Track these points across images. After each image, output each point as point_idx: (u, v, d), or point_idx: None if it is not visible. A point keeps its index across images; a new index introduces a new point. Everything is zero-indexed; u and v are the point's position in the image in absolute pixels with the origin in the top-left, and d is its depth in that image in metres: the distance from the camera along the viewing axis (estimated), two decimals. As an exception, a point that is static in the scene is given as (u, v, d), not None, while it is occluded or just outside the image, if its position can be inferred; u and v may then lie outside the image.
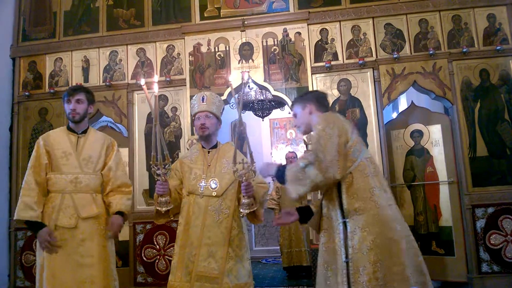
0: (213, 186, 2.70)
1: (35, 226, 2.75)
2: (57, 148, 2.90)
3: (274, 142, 10.36)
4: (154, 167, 2.43)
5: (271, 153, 10.22)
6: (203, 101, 2.78)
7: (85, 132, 3.00)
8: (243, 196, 2.48)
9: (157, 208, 2.57)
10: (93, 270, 2.80)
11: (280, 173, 2.25)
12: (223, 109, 2.96)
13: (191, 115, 2.91)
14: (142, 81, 2.43)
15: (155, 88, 2.33)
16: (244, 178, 2.42)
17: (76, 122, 2.94)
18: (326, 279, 2.18)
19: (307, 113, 2.42)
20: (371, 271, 2.01)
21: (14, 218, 2.83)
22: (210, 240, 2.62)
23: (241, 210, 2.51)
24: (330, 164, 2.07)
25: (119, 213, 2.93)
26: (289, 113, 2.39)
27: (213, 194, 2.67)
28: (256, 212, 2.62)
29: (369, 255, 2.03)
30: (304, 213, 2.47)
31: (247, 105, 7.15)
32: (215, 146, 2.86)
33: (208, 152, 2.84)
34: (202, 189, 2.68)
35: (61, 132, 3.01)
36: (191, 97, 4.87)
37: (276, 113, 9.44)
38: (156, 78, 2.52)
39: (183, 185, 2.78)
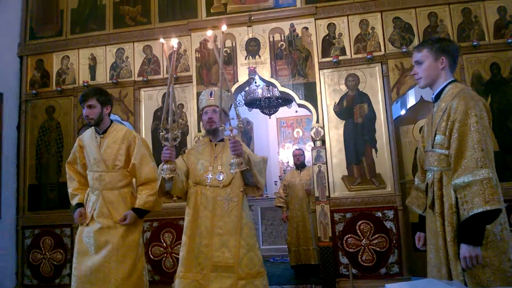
0: (220, 178, 2.71)
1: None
2: (88, 150, 3.14)
3: (281, 141, 10.33)
4: (163, 131, 2.36)
5: (278, 152, 10.18)
6: (211, 96, 2.80)
7: (105, 131, 3.14)
8: (232, 156, 2.41)
9: (162, 175, 2.45)
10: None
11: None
12: (231, 105, 2.93)
13: (199, 110, 2.88)
14: (162, 40, 2.39)
15: (174, 42, 2.27)
16: (231, 135, 2.37)
17: (93, 125, 3.12)
18: None
19: (439, 67, 2.20)
20: None
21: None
22: (221, 230, 2.63)
23: (230, 171, 2.45)
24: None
25: (135, 209, 3.05)
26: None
27: (220, 186, 2.69)
28: (253, 180, 2.62)
29: None
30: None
31: (253, 103, 7.13)
32: (222, 140, 2.86)
33: (215, 145, 2.84)
34: (209, 181, 2.71)
35: (91, 133, 3.21)
36: (198, 93, 4.85)
37: (283, 112, 9.41)
38: (174, 41, 2.37)
39: (190, 175, 2.77)
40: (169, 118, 2.34)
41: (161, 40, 2.36)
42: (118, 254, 2.96)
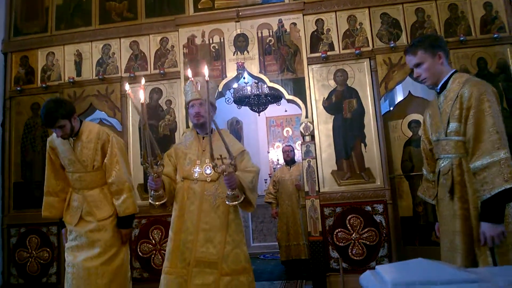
0: (208, 172, 2.67)
1: None
2: (60, 152, 3.07)
3: (271, 140, 10.33)
4: (146, 164, 2.36)
5: (267, 151, 10.17)
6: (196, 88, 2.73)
7: (77, 133, 3.04)
8: (227, 189, 2.42)
9: (151, 202, 2.52)
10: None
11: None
12: (217, 94, 2.90)
13: (185, 102, 2.84)
14: (127, 86, 2.29)
15: (141, 95, 2.20)
16: (225, 173, 2.35)
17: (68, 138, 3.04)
18: None
19: (438, 62, 2.29)
20: None
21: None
22: (207, 226, 2.59)
23: (226, 202, 2.47)
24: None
25: (120, 219, 3.05)
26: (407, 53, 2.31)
27: (207, 180, 2.63)
28: (247, 199, 2.57)
29: None
30: None
31: (243, 100, 7.10)
32: (210, 132, 2.83)
33: (203, 138, 2.80)
34: (196, 175, 2.66)
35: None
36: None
37: (272, 111, 9.41)
38: (143, 81, 2.38)
39: (178, 170, 2.73)
40: (149, 158, 2.31)
41: (126, 87, 2.26)
42: (109, 249, 2.98)
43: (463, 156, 2.22)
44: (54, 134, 3.12)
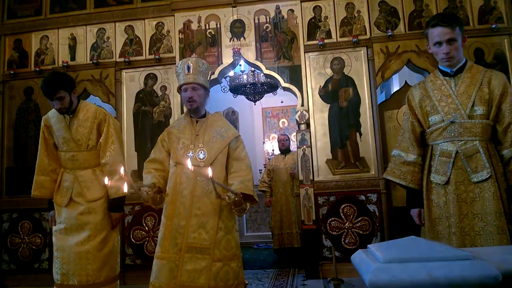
0: (201, 156, 2.64)
1: None
2: (55, 130, 3.03)
3: (267, 131, 10.30)
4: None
5: (263, 142, 10.14)
6: (188, 71, 2.68)
7: (74, 110, 3.03)
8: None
9: (152, 205, 2.55)
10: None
11: None
12: (210, 76, 2.86)
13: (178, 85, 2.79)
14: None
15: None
16: (233, 206, 2.50)
17: (65, 113, 3.02)
18: None
19: (463, 45, 2.38)
20: None
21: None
22: (200, 211, 2.57)
23: (236, 214, 2.60)
24: None
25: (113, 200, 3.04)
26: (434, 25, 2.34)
27: (201, 165, 2.60)
28: (254, 200, 2.64)
29: None
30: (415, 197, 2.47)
31: (239, 89, 7.06)
32: (203, 116, 2.80)
33: (197, 121, 2.77)
34: (189, 159, 2.61)
35: (57, 112, 3.07)
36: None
37: (268, 102, 9.37)
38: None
39: (171, 155, 2.70)
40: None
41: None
42: (99, 233, 2.96)
43: (488, 140, 2.30)
44: (50, 112, 3.11)
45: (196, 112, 2.76)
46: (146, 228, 4.82)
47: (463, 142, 2.30)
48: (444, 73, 2.43)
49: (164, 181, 2.70)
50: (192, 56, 2.82)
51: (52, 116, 3.07)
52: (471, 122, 2.28)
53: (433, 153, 2.42)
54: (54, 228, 3.04)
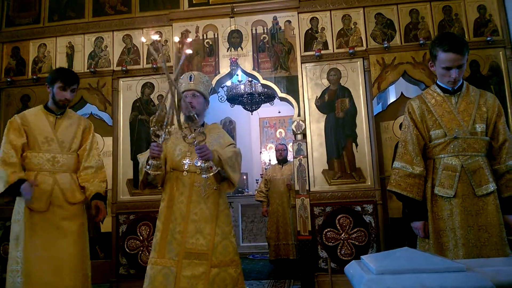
0: (198, 164, 2.64)
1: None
2: (34, 128, 2.95)
3: (264, 141, 10.32)
4: (155, 126, 2.31)
5: (260, 151, 10.15)
6: (190, 80, 2.75)
7: (63, 113, 3.08)
8: (199, 160, 2.40)
9: (148, 171, 2.42)
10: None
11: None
12: (211, 89, 2.90)
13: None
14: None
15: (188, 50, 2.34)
16: (195, 142, 2.34)
17: (62, 108, 3.06)
18: None
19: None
20: None
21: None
22: (197, 216, 2.56)
23: (202, 176, 2.43)
24: None
25: (98, 195, 2.98)
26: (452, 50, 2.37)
27: (197, 172, 2.61)
28: (226, 176, 2.56)
29: None
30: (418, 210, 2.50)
31: (236, 99, 7.08)
32: (201, 125, 2.82)
33: (194, 130, 2.78)
34: (186, 166, 2.65)
35: (38, 112, 3.04)
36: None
37: (266, 112, 9.41)
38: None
39: (167, 161, 2.71)
40: (168, 116, 2.32)
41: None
42: (78, 239, 2.93)
43: (486, 155, 2.44)
44: (26, 112, 3.04)
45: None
46: (141, 237, 4.78)
47: (467, 157, 2.40)
48: (444, 90, 2.51)
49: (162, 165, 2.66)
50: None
51: (30, 115, 2.99)
52: (474, 138, 2.41)
53: (436, 166, 2.46)
54: (23, 235, 2.72)
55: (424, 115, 2.52)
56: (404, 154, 2.55)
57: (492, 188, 2.35)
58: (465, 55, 2.40)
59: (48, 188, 2.87)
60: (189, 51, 2.34)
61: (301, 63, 4.84)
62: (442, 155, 2.44)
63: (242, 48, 4.93)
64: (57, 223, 2.85)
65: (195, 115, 2.47)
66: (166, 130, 2.33)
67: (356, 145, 4.65)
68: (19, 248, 2.73)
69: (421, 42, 4.62)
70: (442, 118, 2.46)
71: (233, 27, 4.95)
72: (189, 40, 2.41)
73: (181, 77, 2.81)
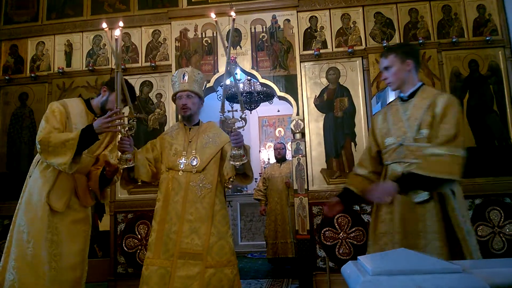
0: (194, 163, 2.64)
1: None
2: (75, 121, 2.74)
3: (263, 140, 10.30)
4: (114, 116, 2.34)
5: (259, 151, 10.14)
6: (183, 79, 2.70)
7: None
8: (233, 148, 2.36)
9: (117, 165, 2.46)
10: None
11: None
12: (205, 86, 2.87)
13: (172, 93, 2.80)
14: (104, 25, 2.37)
15: (117, 32, 2.26)
16: (233, 127, 2.31)
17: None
18: None
19: (406, 69, 2.40)
20: None
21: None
22: (192, 216, 2.55)
23: (231, 163, 2.37)
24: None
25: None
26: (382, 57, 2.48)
27: (193, 171, 2.60)
28: (245, 170, 2.50)
29: None
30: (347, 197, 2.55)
31: (234, 98, 7.06)
32: (197, 124, 2.81)
33: (190, 129, 2.78)
34: (182, 166, 2.63)
35: (81, 107, 2.82)
36: (176, 83, 4.77)
37: (265, 111, 9.39)
38: (121, 23, 2.43)
39: (162, 160, 2.69)
40: (118, 106, 2.36)
41: (104, 25, 2.31)
42: (86, 245, 2.88)
43: None
44: (67, 101, 2.83)
45: (189, 120, 2.77)
46: (139, 236, 4.78)
47: (407, 164, 2.33)
48: (401, 98, 2.50)
49: (140, 162, 2.59)
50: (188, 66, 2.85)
51: (72, 107, 2.79)
52: (416, 145, 2.32)
53: (386, 173, 2.48)
54: (27, 235, 2.60)
55: (382, 124, 2.54)
56: (360, 159, 2.72)
57: (425, 196, 2.25)
58: (388, 57, 2.42)
59: (68, 188, 2.74)
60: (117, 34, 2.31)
61: (300, 62, 4.83)
62: (389, 162, 2.44)
63: (241, 47, 4.92)
64: (68, 224, 2.74)
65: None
66: (129, 121, 2.41)
67: (355, 145, 4.64)
68: (29, 246, 2.60)
69: (421, 41, 4.61)
70: (393, 126, 2.45)
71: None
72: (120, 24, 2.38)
73: (174, 75, 2.78)
